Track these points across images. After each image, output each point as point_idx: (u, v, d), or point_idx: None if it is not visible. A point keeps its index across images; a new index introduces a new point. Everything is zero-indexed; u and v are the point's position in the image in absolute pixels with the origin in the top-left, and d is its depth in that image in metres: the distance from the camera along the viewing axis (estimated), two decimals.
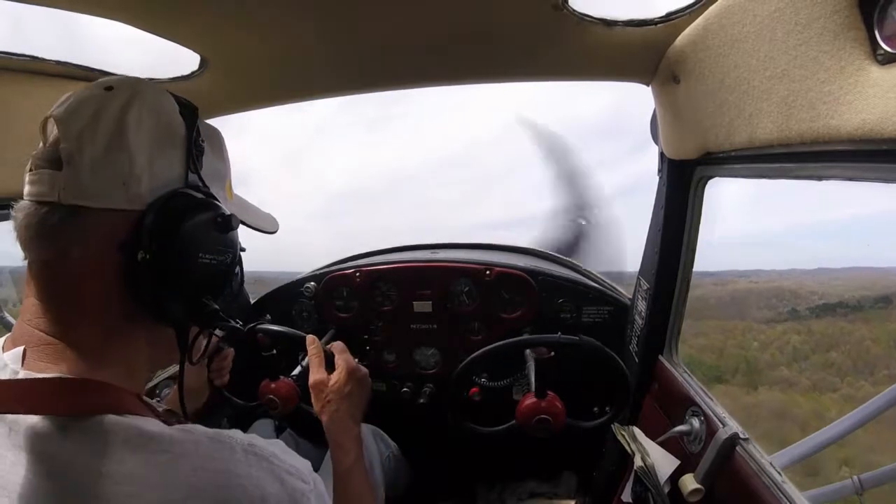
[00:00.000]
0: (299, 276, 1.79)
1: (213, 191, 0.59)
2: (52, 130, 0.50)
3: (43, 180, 0.48)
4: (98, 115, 0.49)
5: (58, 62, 0.92)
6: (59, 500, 0.42)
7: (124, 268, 0.50)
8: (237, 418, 1.64)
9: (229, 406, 1.36)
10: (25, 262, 0.51)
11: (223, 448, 0.48)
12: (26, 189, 0.50)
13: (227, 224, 0.57)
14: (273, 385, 1.25)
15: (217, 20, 0.81)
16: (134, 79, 0.55)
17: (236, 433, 0.51)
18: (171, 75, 1.03)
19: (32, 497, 0.42)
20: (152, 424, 0.47)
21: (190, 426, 0.49)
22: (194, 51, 0.91)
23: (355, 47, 0.97)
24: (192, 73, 1.01)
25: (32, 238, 0.48)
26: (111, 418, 0.45)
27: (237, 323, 0.66)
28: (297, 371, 1.37)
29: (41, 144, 0.50)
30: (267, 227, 0.74)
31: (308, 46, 0.96)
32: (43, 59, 0.90)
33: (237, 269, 0.62)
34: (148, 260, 0.49)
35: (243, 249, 0.65)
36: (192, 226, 0.52)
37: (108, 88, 0.51)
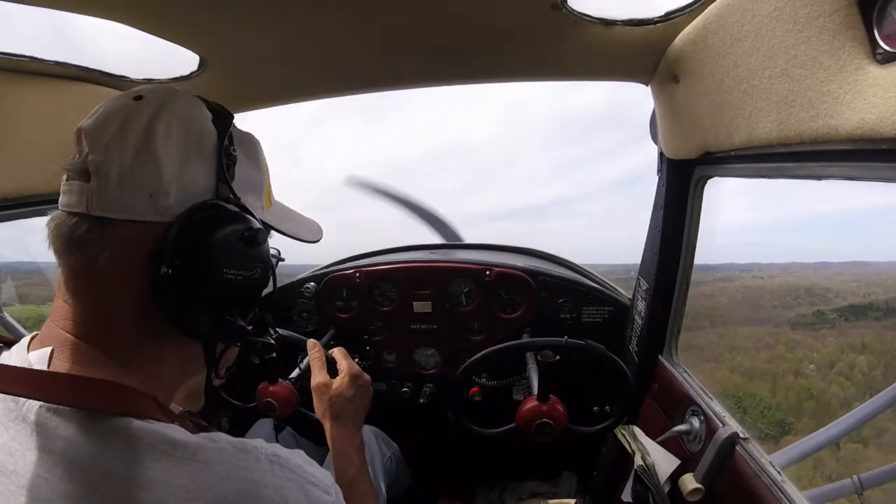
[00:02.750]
0: (299, 276, 1.79)
1: (248, 201, 0.58)
2: (76, 134, 0.50)
3: (73, 191, 0.49)
4: (126, 125, 0.49)
5: (57, 63, 0.92)
6: (82, 502, 0.42)
7: (152, 279, 0.49)
8: (237, 419, 1.64)
9: (227, 407, 1.36)
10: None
11: (248, 457, 0.48)
12: (60, 199, 0.50)
13: (255, 238, 0.54)
14: (271, 388, 1.25)
15: (216, 21, 0.81)
16: (165, 88, 0.54)
17: (260, 442, 0.51)
18: (171, 76, 1.04)
19: (55, 499, 0.42)
20: (176, 431, 0.46)
21: (214, 434, 0.49)
22: (193, 51, 0.91)
23: (355, 47, 0.97)
24: (192, 73, 1.01)
25: (63, 247, 0.49)
26: (135, 423, 0.45)
27: (270, 339, 0.64)
28: (295, 374, 1.37)
29: (76, 155, 0.51)
30: (308, 235, 0.71)
31: (307, 47, 0.96)
32: (42, 60, 0.90)
33: (269, 283, 0.61)
34: (170, 274, 0.48)
35: (282, 259, 0.64)
36: (216, 240, 0.51)
37: (138, 98, 0.51)
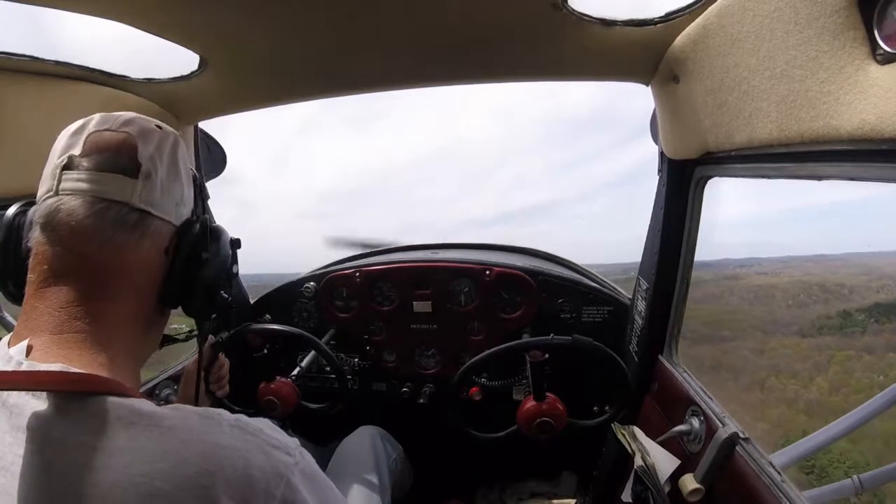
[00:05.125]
0: (299, 277, 1.79)
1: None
2: (90, 134, 0.56)
3: (110, 181, 0.54)
4: (160, 146, 0.60)
5: (57, 62, 0.92)
6: (54, 473, 0.44)
7: (167, 267, 0.61)
8: None
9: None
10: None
11: (210, 423, 0.51)
12: (80, 185, 0.53)
13: (238, 242, 0.74)
14: (272, 386, 1.25)
15: (216, 20, 0.82)
16: (170, 128, 0.66)
17: (224, 412, 0.54)
18: (171, 75, 1.04)
19: (29, 473, 0.44)
20: (144, 404, 0.49)
21: (179, 405, 0.52)
22: (194, 51, 0.92)
23: (355, 47, 0.97)
24: (192, 73, 1.01)
25: (106, 228, 0.53)
26: (108, 399, 0.48)
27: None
28: (296, 371, 1.37)
29: (79, 147, 0.55)
30: None
31: (307, 47, 0.96)
32: (42, 60, 0.90)
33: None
34: (207, 259, 0.64)
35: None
36: (225, 240, 0.70)
37: (159, 127, 0.63)
